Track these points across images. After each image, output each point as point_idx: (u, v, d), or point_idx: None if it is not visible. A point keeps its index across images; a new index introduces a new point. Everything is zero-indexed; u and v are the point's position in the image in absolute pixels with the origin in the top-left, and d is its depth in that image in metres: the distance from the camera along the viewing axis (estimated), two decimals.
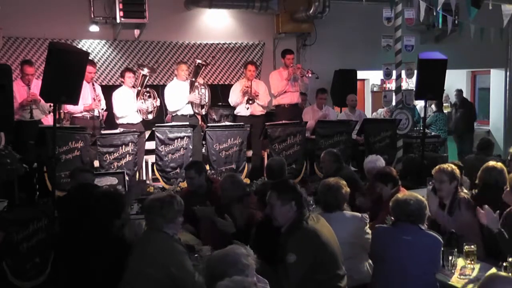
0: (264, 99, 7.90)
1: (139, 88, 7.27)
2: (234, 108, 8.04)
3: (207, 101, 7.63)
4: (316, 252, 3.32)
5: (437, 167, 4.36)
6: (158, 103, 7.43)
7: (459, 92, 10.69)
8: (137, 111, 7.29)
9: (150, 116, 7.37)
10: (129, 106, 7.22)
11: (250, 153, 7.66)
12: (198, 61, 7.56)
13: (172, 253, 3.25)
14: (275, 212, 3.47)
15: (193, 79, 7.50)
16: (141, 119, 7.37)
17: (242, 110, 7.82)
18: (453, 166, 4.34)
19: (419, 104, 10.09)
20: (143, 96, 7.31)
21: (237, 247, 2.59)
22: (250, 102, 7.68)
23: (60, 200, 5.28)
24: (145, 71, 7.30)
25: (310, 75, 8.12)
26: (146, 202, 3.45)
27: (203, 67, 7.64)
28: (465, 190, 4.55)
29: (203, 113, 7.74)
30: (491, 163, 4.65)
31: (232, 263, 2.47)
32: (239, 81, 8.10)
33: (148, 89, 7.42)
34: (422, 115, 9.60)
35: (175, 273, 3.13)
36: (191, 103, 7.48)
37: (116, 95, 7.25)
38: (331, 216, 3.92)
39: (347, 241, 3.80)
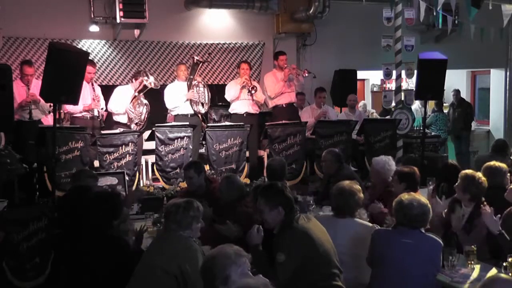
0: (261, 96, 7.91)
1: (136, 94, 7.16)
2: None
3: (206, 99, 7.60)
4: (307, 251, 3.33)
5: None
6: (146, 115, 7.25)
7: (457, 92, 10.71)
8: (127, 113, 7.17)
9: (133, 126, 7.14)
10: (122, 105, 7.19)
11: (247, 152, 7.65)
12: (196, 57, 7.51)
13: (189, 250, 3.26)
14: (265, 216, 3.49)
15: (191, 77, 7.47)
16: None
17: (238, 107, 7.79)
18: (477, 176, 4.15)
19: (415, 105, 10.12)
20: (136, 102, 7.16)
21: (227, 246, 2.59)
22: (253, 92, 7.67)
23: (59, 200, 5.28)
24: (149, 81, 7.09)
25: (306, 74, 8.13)
26: (165, 207, 3.46)
27: (201, 64, 7.59)
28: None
29: (203, 111, 7.70)
30: (492, 162, 4.65)
31: (219, 262, 2.49)
32: (234, 80, 8.10)
33: (146, 100, 7.27)
34: (417, 115, 9.68)
35: (189, 270, 3.14)
36: (190, 101, 7.47)
37: (117, 90, 7.25)
38: (340, 221, 3.86)
39: (353, 250, 3.75)
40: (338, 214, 3.92)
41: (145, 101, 7.28)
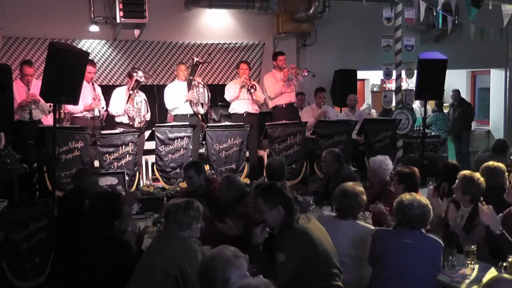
0: (261, 95, 7.92)
1: (131, 92, 7.14)
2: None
3: (206, 100, 7.61)
4: (307, 251, 3.33)
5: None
6: (148, 117, 7.28)
7: (457, 92, 10.71)
8: (126, 114, 7.17)
9: (137, 124, 7.14)
10: (121, 106, 7.19)
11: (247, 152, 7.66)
12: (196, 58, 7.52)
13: (188, 250, 3.27)
14: (264, 216, 3.49)
15: (191, 77, 7.48)
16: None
17: (237, 107, 7.80)
18: (476, 177, 4.15)
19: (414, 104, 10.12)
20: (133, 100, 7.14)
21: (223, 247, 2.59)
22: (252, 90, 7.68)
23: (60, 200, 5.28)
24: (139, 75, 7.11)
25: (306, 73, 8.14)
26: (165, 207, 3.46)
27: (201, 65, 7.61)
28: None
29: (202, 112, 7.71)
30: (490, 162, 4.66)
31: (215, 263, 2.49)
32: (233, 80, 8.12)
33: (143, 98, 7.28)
34: (417, 115, 9.68)
35: (189, 270, 3.15)
36: (190, 101, 7.48)
37: (115, 92, 7.26)
38: (342, 223, 3.86)
39: (354, 252, 3.75)
40: (341, 216, 3.91)
41: (141, 98, 7.25)
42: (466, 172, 4.25)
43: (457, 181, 4.22)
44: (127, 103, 7.11)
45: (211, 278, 2.48)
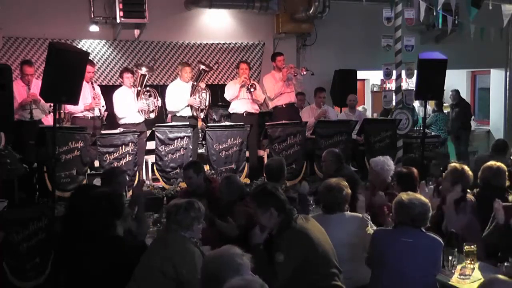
0: (260, 95, 7.92)
1: (139, 88, 7.24)
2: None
3: (207, 105, 7.65)
4: (306, 251, 3.32)
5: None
6: (159, 103, 7.43)
7: (456, 92, 10.70)
8: (139, 112, 7.27)
9: (152, 115, 7.37)
10: (129, 106, 7.22)
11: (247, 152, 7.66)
12: (202, 66, 7.55)
13: (186, 252, 3.25)
14: (259, 219, 3.49)
15: (195, 83, 7.51)
16: (143, 119, 7.36)
17: (237, 106, 7.81)
18: (466, 169, 4.42)
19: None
20: (143, 95, 7.30)
21: (231, 247, 2.58)
22: (252, 89, 7.68)
23: (66, 201, 5.26)
24: (143, 70, 7.27)
25: (304, 72, 8.16)
26: (166, 207, 3.46)
27: (206, 73, 7.65)
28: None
29: (202, 116, 7.75)
30: (492, 162, 4.67)
31: (226, 263, 2.46)
32: (233, 80, 8.14)
33: (148, 88, 7.40)
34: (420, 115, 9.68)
35: (186, 275, 3.14)
36: (191, 106, 7.50)
37: (116, 95, 7.27)
38: (331, 217, 3.91)
39: (348, 242, 3.78)
40: (329, 211, 3.98)
41: (148, 89, 7.35)
42: (456, 164, 4.52)
43: (446, 172, 4.44)
44: (137, 100, 7.15)
45: (223, 279, 2.44)
